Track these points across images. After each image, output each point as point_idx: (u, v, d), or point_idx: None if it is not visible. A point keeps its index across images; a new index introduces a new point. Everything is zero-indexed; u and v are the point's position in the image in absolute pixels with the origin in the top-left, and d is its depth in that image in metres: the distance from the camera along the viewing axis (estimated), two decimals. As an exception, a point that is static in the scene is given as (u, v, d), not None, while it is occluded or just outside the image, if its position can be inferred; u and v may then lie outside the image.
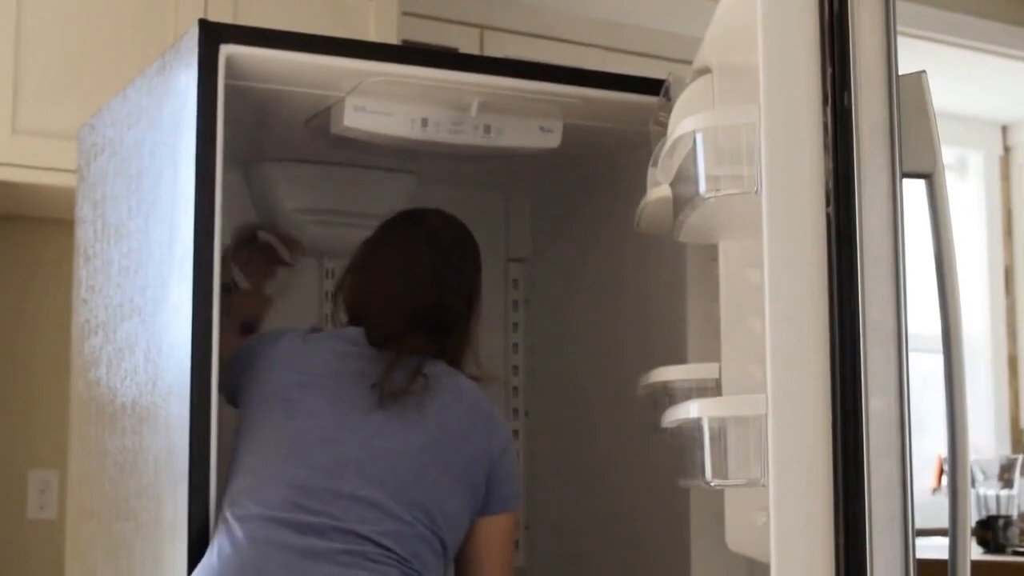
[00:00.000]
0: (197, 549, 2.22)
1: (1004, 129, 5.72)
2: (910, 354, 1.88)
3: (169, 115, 2.42)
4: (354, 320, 2.47)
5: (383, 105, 2.56)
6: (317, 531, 2.17)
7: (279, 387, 2.34)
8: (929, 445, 4.67)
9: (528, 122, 2.67)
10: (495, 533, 2.37)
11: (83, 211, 2.86)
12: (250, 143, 2.83)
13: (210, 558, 2.18)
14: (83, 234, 2.85)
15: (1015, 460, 3.47)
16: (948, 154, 5.37)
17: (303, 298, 3.11)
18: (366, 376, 2.33)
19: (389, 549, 2.19)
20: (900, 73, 1.92)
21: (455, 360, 2.45)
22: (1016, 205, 5.68)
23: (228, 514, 2.22)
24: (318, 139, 2.71)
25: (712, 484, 2.05)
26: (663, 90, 2.44)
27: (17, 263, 3.57)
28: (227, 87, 2.33)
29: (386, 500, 2.21)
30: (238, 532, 2.18)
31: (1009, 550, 3.33)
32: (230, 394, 2.43)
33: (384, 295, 2.45)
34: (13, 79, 3.19)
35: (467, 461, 2.32)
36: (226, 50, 2.33)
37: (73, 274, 2.90)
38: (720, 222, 2.18)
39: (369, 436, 2.27)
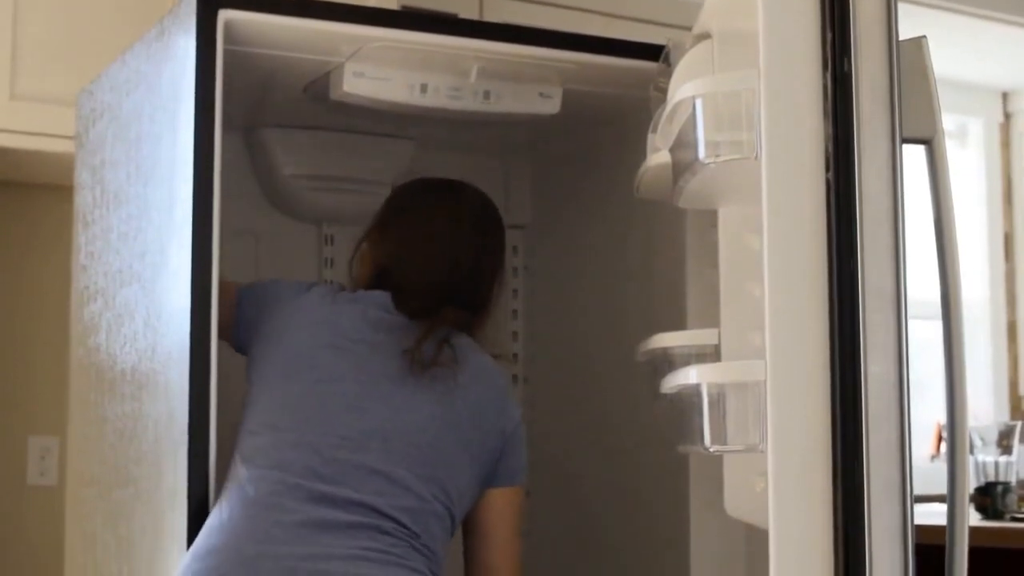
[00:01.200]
0: (197, 515, 2.22)
1: (1004, 96, 5.70)
2: (909, 320, 1.88)
3: (168, 80, 2.41)
4: (377, 281, 2.44)
5: (382, 71, 2.55)
6: (332, 501, 2.16)
7: (307, 347, 2.32)
8: (927, 412, 4.68)
9: (527, 88, 2.67)
10: (504, 505, 2.37)
11: (82, 177, 2.86)
12: (249, 109, 2.83)
13: (219, 515, 2.17)
14: (82, 200, 2.85)
15: (1014, 427, 3.47)
16: (948, 121, 5.36)
17: (302, 264, 3.11)
18: (397, 345, 2.32)
19: (403, 525, 2.18)
20: (900, 38, 1.92)
21: (477, 336, 2.45)
22: (1016, 172, 5.67)
23: (242, 471, 2.21)
24: (317, 105, 2.71)
25: (711, 450, 2.06)
26: (663, 56, 2.44)
27: (16, 230, 3.56)
28: (226, 52, 2.32)
29: (406, 475, 2.21)
30: (251, 492, 2.17)
31: (1007, 516, 3.33)
32: (239, 336, 2.42)
33: (425, 266, 2.43)
34: (12, 45, 3.18)
35: (483, 438, 2.32)
36: (224, 15, 2.32)
37: (72, 240, 2.90)
38: (720, 188, 2.17)
39: (395, 408, 2.26)
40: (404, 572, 2.13)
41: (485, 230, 2.50)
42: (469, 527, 2.37)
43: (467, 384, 2.33)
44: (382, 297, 2.39)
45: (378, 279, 2.45)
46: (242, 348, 2.43)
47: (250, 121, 2.95)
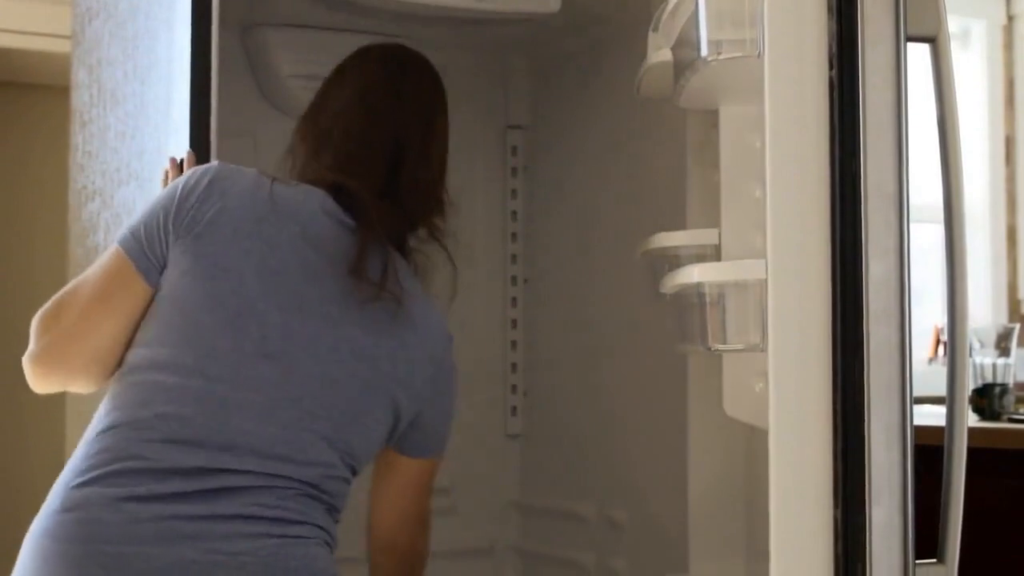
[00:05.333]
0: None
1: (1008, -3, 5.66)
2: (910, 224, 1.87)
3: (164, -23, 2.40)
4: (310, 166, 2.09)
5: (379, -33, 2.53)
6: (221, 473, 1.86)
7: (233, 261, 1.93)
8: (926, 316, 4.69)
9: (527, -14, 2.65)
10: (423, 477, 2.14)
11: (78, 76, 2.84)
12: (247, 7, 2.80)
13: (88, 457, 1.88)
14: (79, 99, 2.83)
15: (1012, 329, 3.47)
16: (951, 23, 5.33)
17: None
18: (338, 264, 1.97)
19: (306, 483, 1.91)
20: (906, -66, 1.90)
21: (411, 253, 2.10)
22: (1018, 74, 5.64)
23: (127, 410, 1.90)
24: (315, 3, 2.68)
25: (711, 349, 2.06)
26: (665, -47, 2.41)
27: (14, 130, 3.55)
28: (222, -52, 2.30)
29: (313, 440, 1.92)
30: (140, 412, 1.89)
31: (1005, 417, 3.34)
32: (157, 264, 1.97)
33: (365, 142, 2.09)
34: (6, -58, 3.16)
35: (403, 402, 2.02)
36: (222, -90, 2.30)
37: (69, 140, 2.89)
38: (721, 87, 2.16)
39: (318, 358, 1.93)
40: (304, 528, 1.89)
41: (435, 110, 2.17)
42: (382, 495, 2.14)
43: (401, 346, 2.01)
44: (323, 196, 2.01)
45: (310, 161, 2.10)
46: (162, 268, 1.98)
47: (248, 20, 2.93)
